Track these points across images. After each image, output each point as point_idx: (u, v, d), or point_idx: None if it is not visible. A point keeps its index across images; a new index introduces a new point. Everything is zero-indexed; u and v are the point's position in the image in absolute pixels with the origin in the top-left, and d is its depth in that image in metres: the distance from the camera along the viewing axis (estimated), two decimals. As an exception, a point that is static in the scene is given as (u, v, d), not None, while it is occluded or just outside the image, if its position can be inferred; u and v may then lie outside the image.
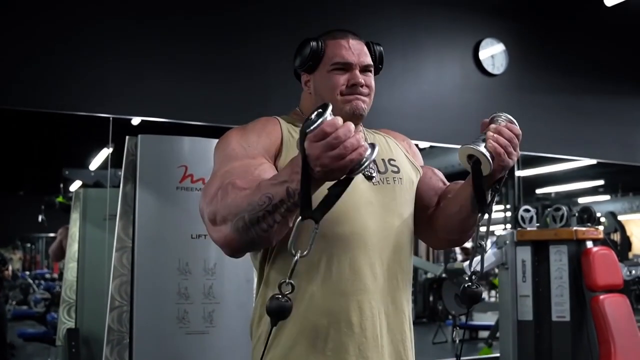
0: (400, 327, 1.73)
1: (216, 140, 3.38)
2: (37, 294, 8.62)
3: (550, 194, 8.85)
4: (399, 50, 4.90)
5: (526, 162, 6.33)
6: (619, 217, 7.53)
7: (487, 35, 5.23)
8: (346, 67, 1.74)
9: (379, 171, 1.76)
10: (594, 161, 6.40)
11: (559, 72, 5.53)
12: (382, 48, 1.84)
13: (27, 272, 9.55)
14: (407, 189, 1.80)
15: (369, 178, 1.73)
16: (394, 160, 1.81)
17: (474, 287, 1.73)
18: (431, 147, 5.06)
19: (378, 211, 1.71)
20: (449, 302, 3.89)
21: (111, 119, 4.20)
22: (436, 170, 1.92)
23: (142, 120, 4.30)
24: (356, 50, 1.75)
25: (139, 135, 3.35)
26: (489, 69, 5.14)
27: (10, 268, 6.80)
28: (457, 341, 4.20)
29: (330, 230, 1.62)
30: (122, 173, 3.35)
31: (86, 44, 4.00)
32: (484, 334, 7.94)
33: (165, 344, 3.21)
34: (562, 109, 5.52)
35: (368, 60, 1.78)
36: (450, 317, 6.75)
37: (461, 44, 5.19)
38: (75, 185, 5.87)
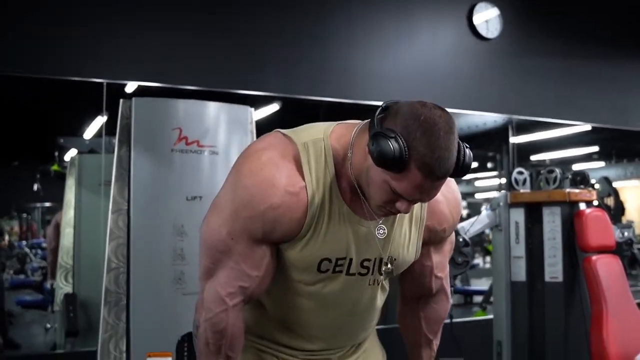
0: None
1: (211, 105, 3.42)
2: (34, 263, 8.66)
3: (544, 160, 8.86)
4: (392, 13, 4.88)
5: (520, 128, 6.32)
6: (613, 185, 7.54)
7: (481, -1, 5.22)
8: (405, 197, 1.44)
9: (373, 272, 1.64)
10: (588, 127, 6.41)
11: (553, 36, 5.52)
12: (471, 156, 1.45)
13: (24, 242, 9.57)
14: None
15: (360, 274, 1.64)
16: (396, 260, 1.64)
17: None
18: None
19: (354, 310, 1.70)
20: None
21: (105, 84, 4.19)
22: (435, 260, 1.78)
23: (137, 87, 4.30)
24: (429, 193, 1.43)
25: (133, 98, 3.37)
26: (483, 33, 5.12)
27: (6, 239, 6.82)
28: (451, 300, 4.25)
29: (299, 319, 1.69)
30: (116, 136, 3.36)
31: (79, 7, 3.97)
32: (478, 298, 8.03)
33: (162, 305, 3.24)
34: (556, 73, 5.52)
35: (435, 195, 1.46)
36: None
37: (455, 8, 5.16)
38: (70, 154, 5.86)
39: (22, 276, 8.91)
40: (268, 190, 1.47)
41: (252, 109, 3.57)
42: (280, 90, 4.59)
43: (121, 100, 3.35)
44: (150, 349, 3.25)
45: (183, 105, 3.41)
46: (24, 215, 10.33)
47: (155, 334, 3.21)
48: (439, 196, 1.60)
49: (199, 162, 3.34)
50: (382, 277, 1.65)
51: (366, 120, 1.53)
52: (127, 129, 3.31)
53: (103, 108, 4.25)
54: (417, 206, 1.63)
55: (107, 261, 3.23)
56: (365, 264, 1.61)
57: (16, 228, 9.69)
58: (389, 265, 1.63)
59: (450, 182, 1.70)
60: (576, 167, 8.84)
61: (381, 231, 1.57)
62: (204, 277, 1.58)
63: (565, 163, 8.92)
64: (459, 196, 1.73)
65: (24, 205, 9.98)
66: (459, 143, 1.40)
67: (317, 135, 1.54)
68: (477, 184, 11.37)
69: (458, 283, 9.51)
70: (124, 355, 3.21)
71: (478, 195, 12.00)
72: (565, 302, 3.89)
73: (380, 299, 1.74)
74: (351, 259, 1.58)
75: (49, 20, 3.90)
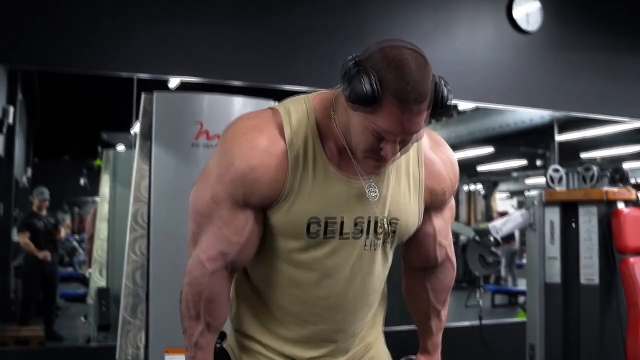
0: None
1: (233, 99, 3.39)
2: (82, 257, 8.85)
3: (595, 159, 8.65)
4: (430, 6, 4.78)
5: (564, 126, 6.14)
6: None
7: (522, -9, 5.05)
8: (387, 136, 1.44)
9: (368, 233, 1.62)
10: (638, 124, 6.18)
11: (597, 29, 5.30)
12: (449, 93, 1.48)
13: (76, 236, 9.79)
14: (392, 249, 1.71)
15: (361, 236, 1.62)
16: (397, 220, 1.63)
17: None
18: (476, 108, 4.93)
19: (353, 279, 1.65)
20: (473, 263, 3.79)
21: (135, 79, 4.20)
22: (437, 226, 1.75)
23: (180, 83, 4.31)
24: (410, 124, 1.41)
25: (155, 92, 3.36)
26: (524, 26, 4.95)
27: (63, 232, 6.98)
28: (480, 302, 4.15)
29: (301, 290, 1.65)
30: (138, 130, 3.36)
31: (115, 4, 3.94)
32: (524, 299, 7.88)
33: (181, 301, 3.22)
34: (600, 67, 5.31)
35: (417, 130, 1.45)
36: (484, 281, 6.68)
37: (495, 1, 5.02)
38: (114, 150, 5.94)
39: (70, 269, 9.12)
40: (247, 152, 1.51)
41: (276, 103, 3.51)
42: (314, 85, 4.53)
43: (143, 95, 3.34)
44: (169, 345, 3.28)
45: (204, 100, 3.39)
46: (76, 209, 10.57)
47: (174, 330, 3.18)
48: (434, 157, 1.67)
49: (220, 157, 3.30)
50: (380, 240, 1.63)
51: None
52: (149, 123, 3.30)
53: (133, 103, 4.27)
54: (413, 164, 1.65)
55: (126, 255, 3.23)
56: (358, 220, 1.59)
57: (68, 222, 9.91)
58: (387, 226, 1.62)
59: (444, 146, 1.72)
60: (627, 166, 8.61)
61: (373, 194, 1.58)
62: (191, 243, 1.61)
63: (617, 161, 8.68)
64: (455, 159, 1.73)
65: (75, 199, 10.22)
66: (434, 76, 1.43)
67: (299, 100, 1.60)
68: (528, 181, 11.19)
69: (504, 284, 9.38)
70: (142, 351, 3.20)
71: (528, 194, 11.84)
72: (601, 306, 3.74)
73: (380, 266, 1.68)
74: (343, 220, 1.58)
75: (85, 18, 3.84)
